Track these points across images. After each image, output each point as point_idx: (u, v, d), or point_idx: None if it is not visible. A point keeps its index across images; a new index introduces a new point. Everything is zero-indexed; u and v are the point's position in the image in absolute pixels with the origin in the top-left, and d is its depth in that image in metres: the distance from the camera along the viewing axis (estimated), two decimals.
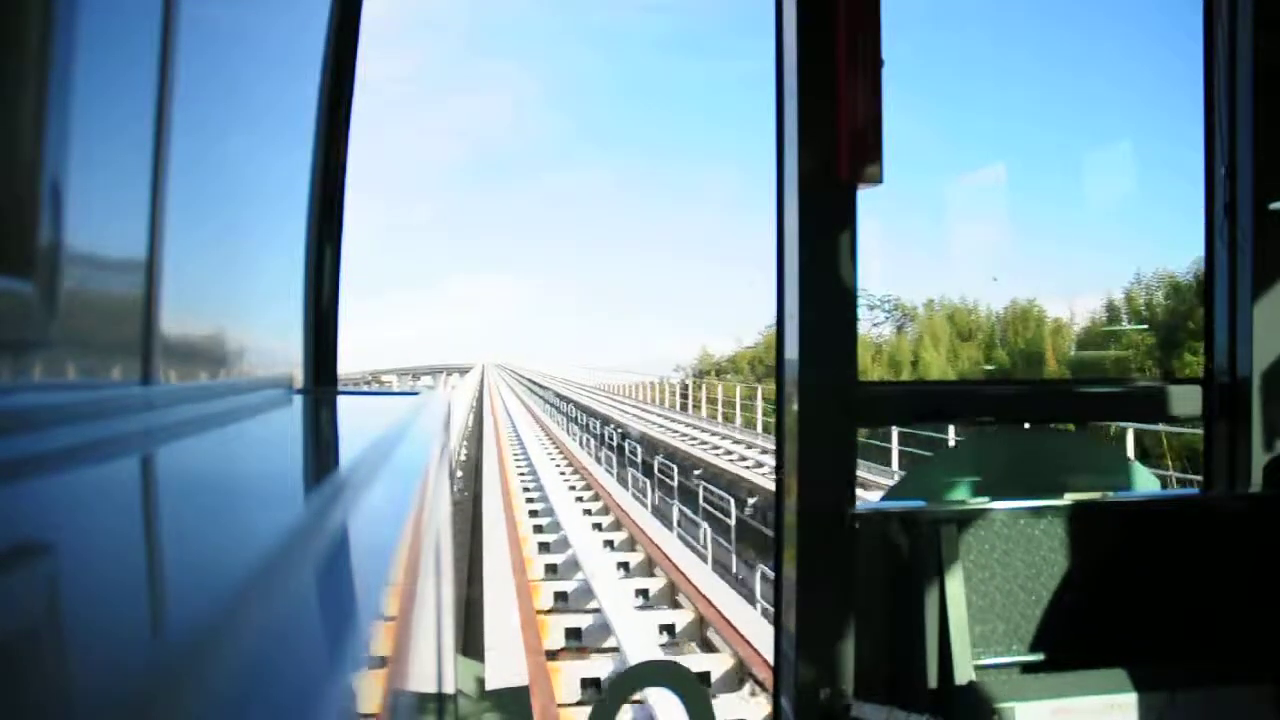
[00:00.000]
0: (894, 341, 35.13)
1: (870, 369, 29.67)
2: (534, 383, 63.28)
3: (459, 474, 17.20)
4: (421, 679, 0.62)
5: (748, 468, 16.31)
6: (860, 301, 2.11)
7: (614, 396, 44.20)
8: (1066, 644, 1.98)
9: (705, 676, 6.53)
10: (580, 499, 14.33)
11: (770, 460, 13.27)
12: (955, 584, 1.91)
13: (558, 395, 44.28)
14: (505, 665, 6.27)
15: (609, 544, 11.28)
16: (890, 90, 1.93)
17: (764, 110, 2.09)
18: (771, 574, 2.56)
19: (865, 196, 1.99)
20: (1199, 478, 2.45)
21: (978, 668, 1.89)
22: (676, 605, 8.68)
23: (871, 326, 37.54)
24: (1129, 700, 1.89)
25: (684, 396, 35.32)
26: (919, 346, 32.99)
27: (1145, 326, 24.24)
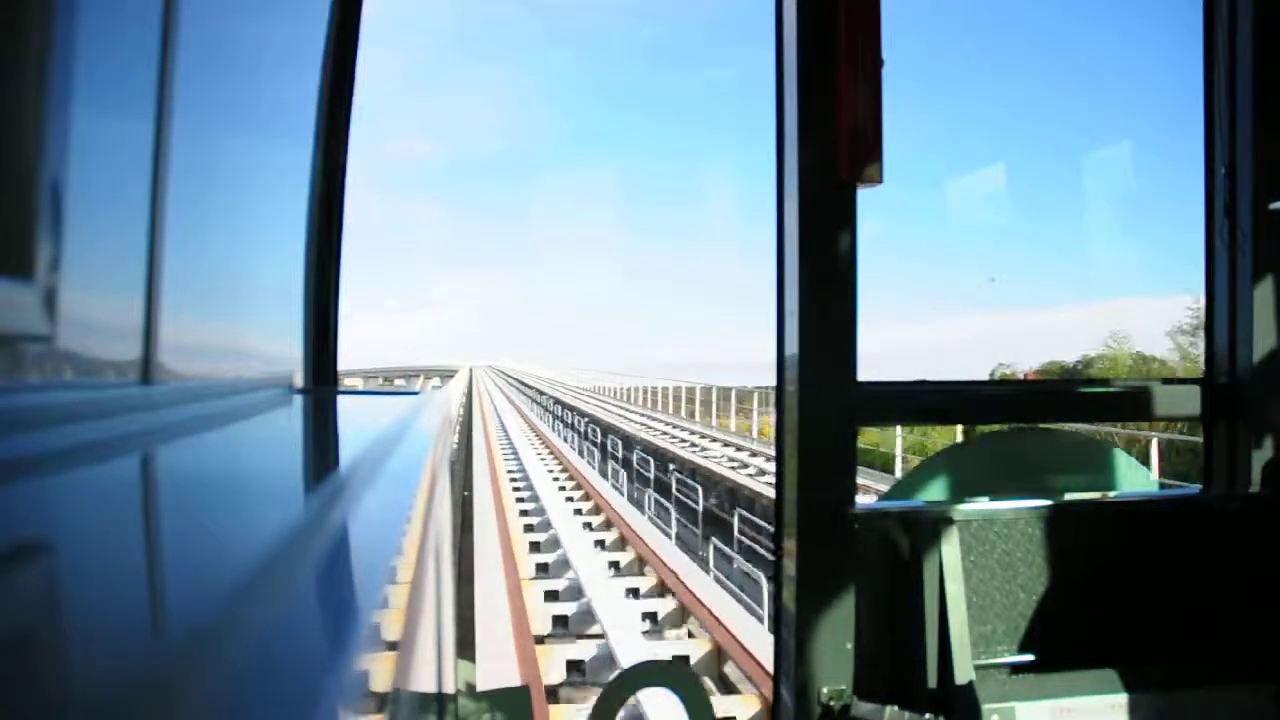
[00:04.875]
0: None
1: None
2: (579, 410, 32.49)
3: None
4: (421, 678, 0.62)
5: None
6: None
7: None
8: (1067, 644, 1.98)
9: None
10: None
11: None
12: (955, 584, 1.90)
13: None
14: None
15: None
16: (890, 86, 1.93)
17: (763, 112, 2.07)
18: None
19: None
20: None
21: (978, 668, 1.89)
22: None
23: None
24: (1129, 700, 1.88)
25: None
26: None
27: None
